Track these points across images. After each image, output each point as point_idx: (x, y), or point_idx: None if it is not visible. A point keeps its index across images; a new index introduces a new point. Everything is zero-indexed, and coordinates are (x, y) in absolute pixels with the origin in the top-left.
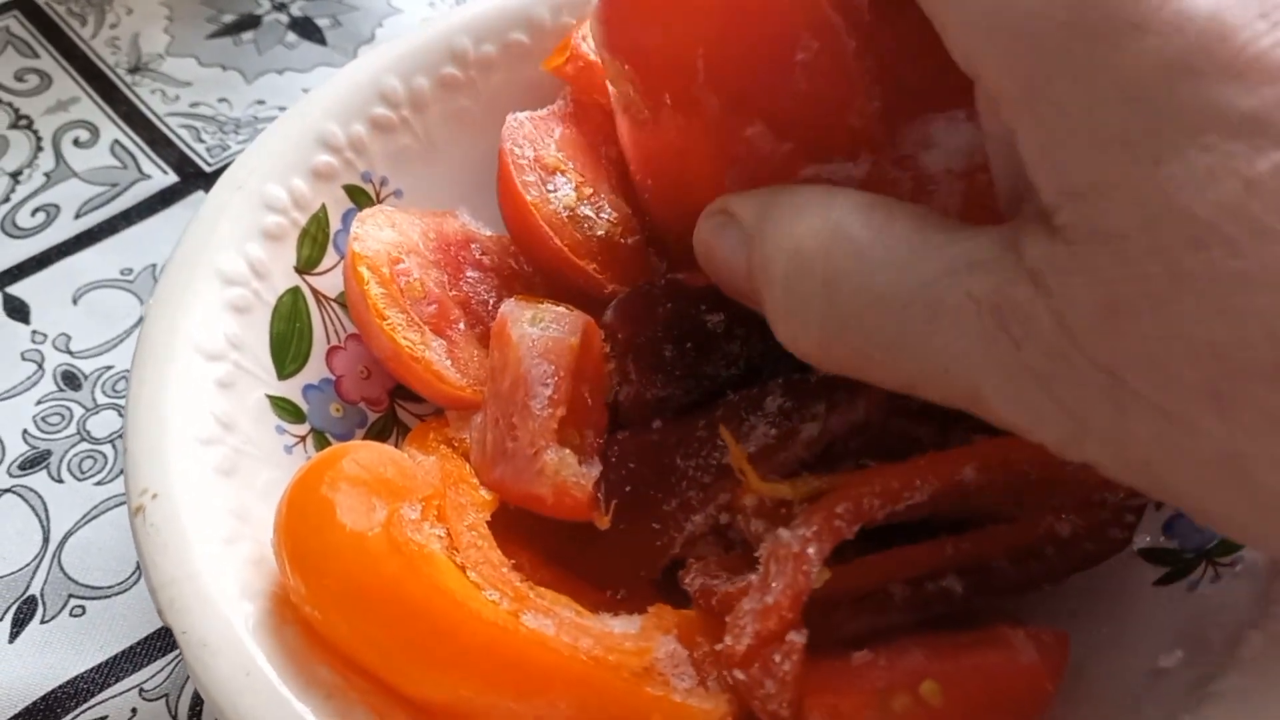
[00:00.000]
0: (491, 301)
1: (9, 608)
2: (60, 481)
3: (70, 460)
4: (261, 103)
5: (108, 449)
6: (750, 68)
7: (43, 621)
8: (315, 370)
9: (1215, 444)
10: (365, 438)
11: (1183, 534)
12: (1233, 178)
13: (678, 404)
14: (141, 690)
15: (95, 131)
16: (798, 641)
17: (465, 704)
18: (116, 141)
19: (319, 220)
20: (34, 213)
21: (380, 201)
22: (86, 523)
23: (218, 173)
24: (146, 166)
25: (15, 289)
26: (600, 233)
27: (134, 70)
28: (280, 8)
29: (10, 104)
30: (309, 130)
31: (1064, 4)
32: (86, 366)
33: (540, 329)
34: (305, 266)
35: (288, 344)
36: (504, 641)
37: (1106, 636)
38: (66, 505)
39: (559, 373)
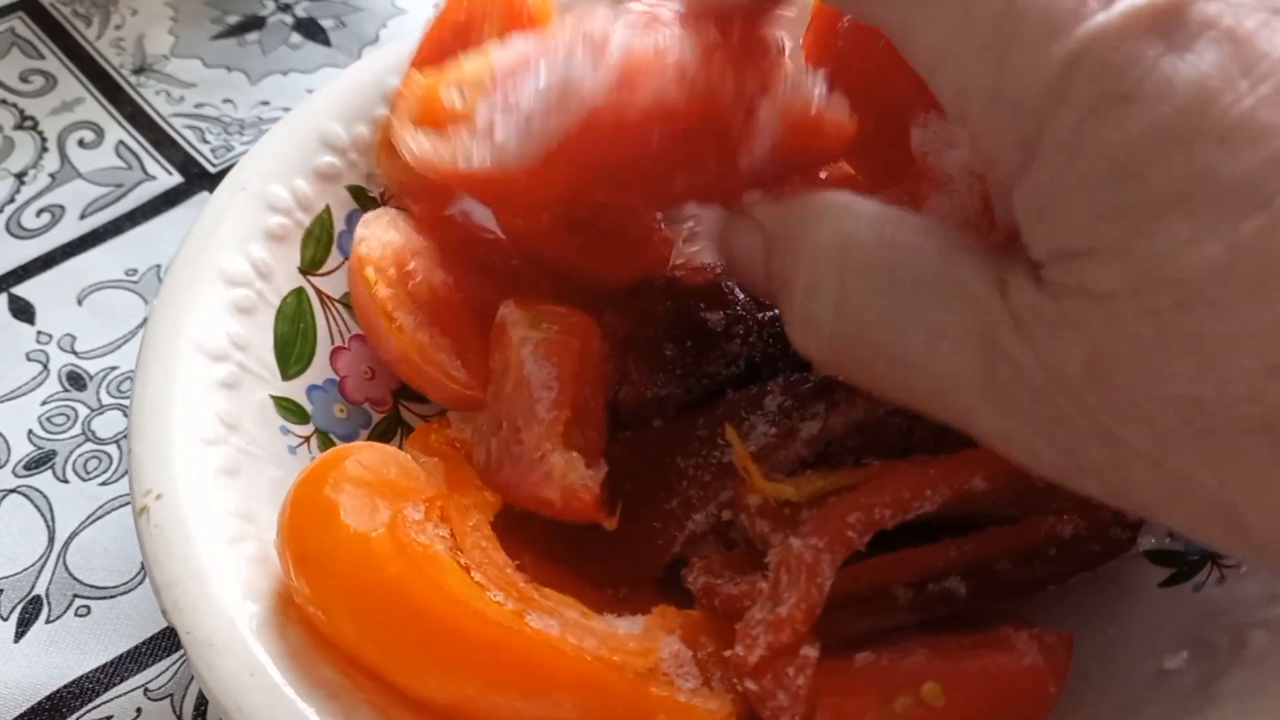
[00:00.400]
0: (496, 302)
1: (14, 607)
2: (65, 482)
3: (75, 460)
4: (266, 103)
5: (112, 449)
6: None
7: (48, 621)
8: (319, 371)
9: (1209, 495)
10: (369, 438)
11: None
12: (1216, 242)
13: (678, 403)
14: (146, 690)
15: (100, 132)
16: (811, 655)
17: (470, 704)
18: (121, 142)
19: (323, 221)
20: (39, 213)
21: (384, 203)
22: (91, 523)
23: (222, 173)
24: (151, 167)
25: (20, 290)
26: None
27: (139, 71)
28: (285, 9)
29: (15, 105)
30: (313, 131)
31: (1055, 77)
32: (91, 367)
33: (541, 331)
34: (309, 267)
35: (292, 345)
36: (508, 642)
37: (1111, 638)
38: (71, 505)
39: (562, 375)
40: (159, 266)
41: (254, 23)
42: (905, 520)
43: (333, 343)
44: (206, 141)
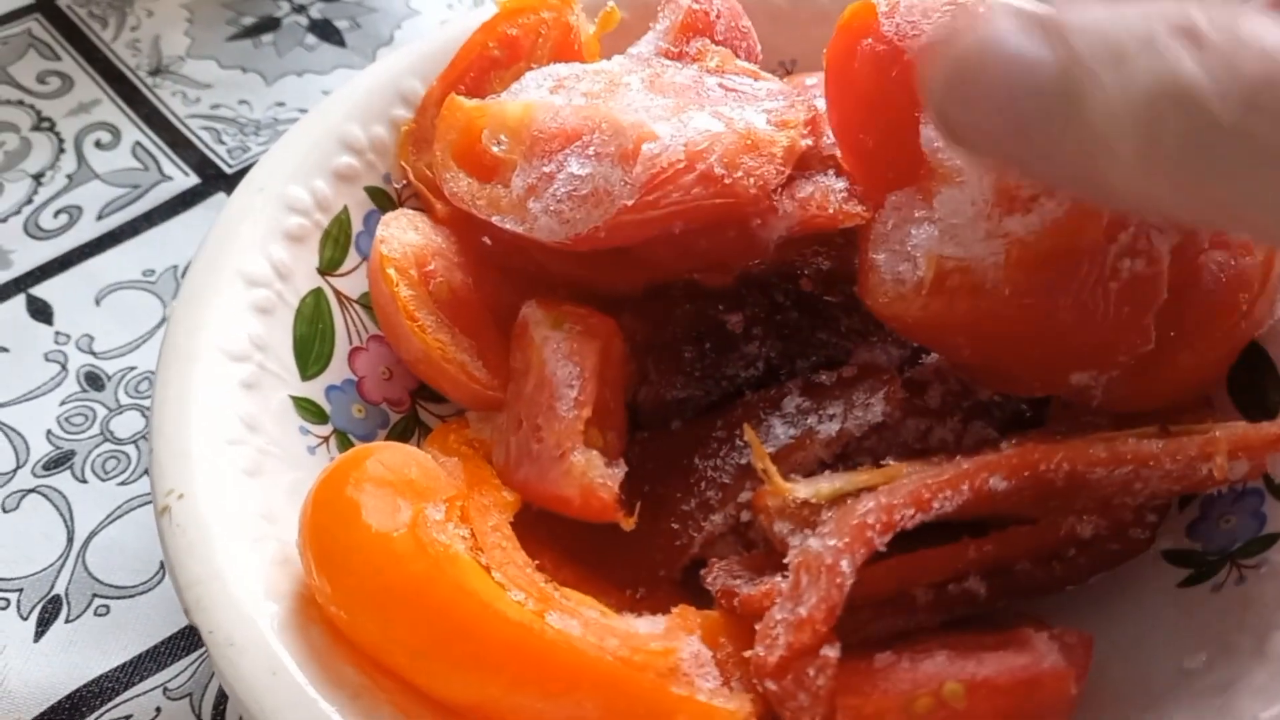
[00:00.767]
0: (515, 302)
1: (34, 607)
2: (84, 482)
3: (94, 460)
4: (282, 104)
5: (131, 449)
6: None
7: (67, 621)
8: (338, 371)
9: None
10: (387, 438)
11: (1206, 536)
12: None
13: (697, 405)
14: (166, 689)
15: (117, 133)
16: (831, 656)
17: (491, 704)
18: (138, 143)
19: (341, 222)
20: (56, 214)
21: (402, 204)
22: (110, 522)
23: (238, 174)
24: (168, 168)
25: (38, 290)
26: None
27: (155, 72)
28: (300, 10)
29: (32, 106)
30: (330, 132)
31: None
32: (109, 367)
33: (563, 331)
34: (327, 268)
35: (310, 345)
36: (530, 642)
37: (1131, 639)
38: (90, 505)
39: (584, 374)
40: (176, 267)
41: (269, 24)
42: (925, 521)
43: (351, 343)
44: (223, 143)
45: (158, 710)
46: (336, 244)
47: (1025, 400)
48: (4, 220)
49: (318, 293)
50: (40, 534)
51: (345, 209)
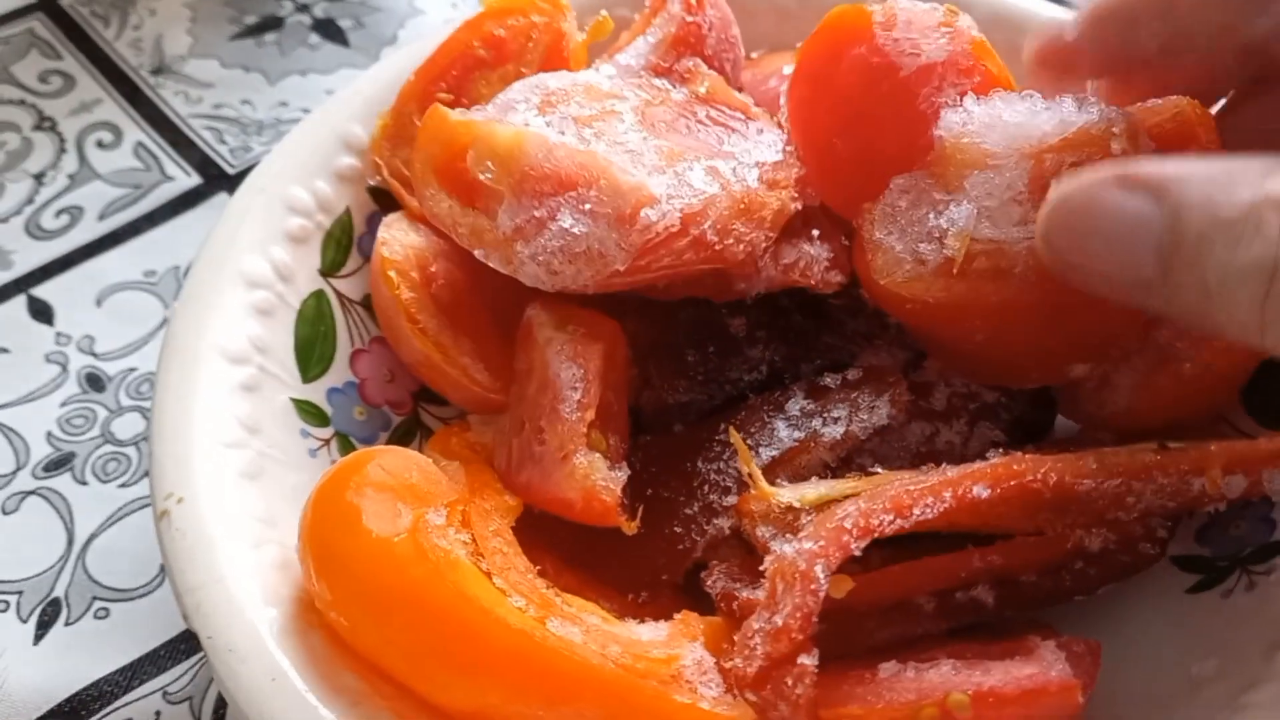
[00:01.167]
0: (517, 305)
1: (33, 610)
2: (84, 484)
3: (94, 462)
4: (284, 104)
5: (131, 451)
6: None
7: (67, 624)
8: (339, 373)
9: None
10: (389, 441)
11: (1216, 541)
12: None
13: (700, 408)
14: (165, 693)
15: (118, 133)
16: (809, 665)
17: (492, 711)
18: (139, 143)
19: (343, 223)
20: (58, 214)
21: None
22: (110, 525)
23: (241, 175)
24: (169, 168)
25: (39, 291)
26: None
27: (157, 72)
28: (303, 9)
29: (34, 105)
30: (333, 133)
31: None
32: (110, 369)
33: (567, 333)
34: (329, 269)
35: (312, 347)
36: (530, 648)
37: (1139, 645)
38: (90, 508)
39: (587, 376)
40: (178, 268)
41: (272, 23)
42: (910, 529)
43: (352, 345)
44: (225, 143)
45: (157, 714)
46: (338, 245)
47: (1031, 405)
48: (5, 220)
49: (319, 294)
50: (40, 536)
51: (347, 210)
